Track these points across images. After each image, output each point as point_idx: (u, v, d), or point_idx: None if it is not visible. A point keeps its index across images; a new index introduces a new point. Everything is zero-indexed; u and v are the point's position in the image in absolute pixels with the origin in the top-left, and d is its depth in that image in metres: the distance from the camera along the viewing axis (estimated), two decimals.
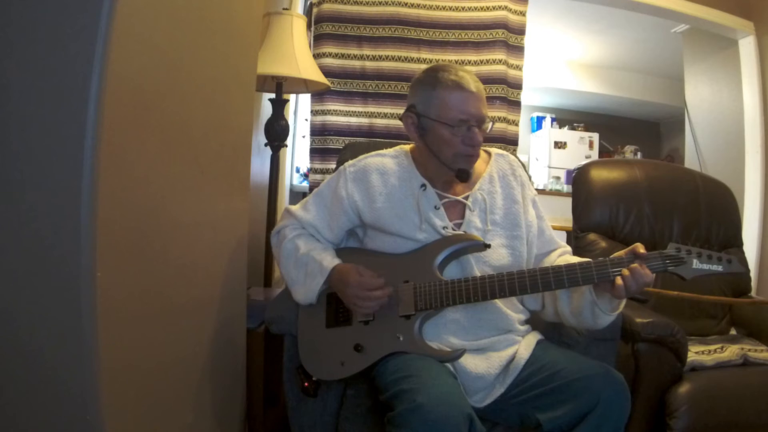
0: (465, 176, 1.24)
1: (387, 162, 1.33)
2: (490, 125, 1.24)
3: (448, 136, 1.21)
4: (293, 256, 1.30)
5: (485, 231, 1.25)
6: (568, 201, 2.06)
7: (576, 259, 1.24)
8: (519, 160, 1.46)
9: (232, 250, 1.42)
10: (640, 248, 1.11)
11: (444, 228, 1.24)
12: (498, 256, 1.23)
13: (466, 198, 1.28)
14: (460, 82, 1.19)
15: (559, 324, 1.32)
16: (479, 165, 1.34)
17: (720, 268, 1.10)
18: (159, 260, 1.06)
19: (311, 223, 1.33)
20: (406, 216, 1.26)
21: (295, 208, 1.37)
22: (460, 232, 1.24)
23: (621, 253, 1.13)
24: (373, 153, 1.37)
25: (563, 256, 1.31)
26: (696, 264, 1.10)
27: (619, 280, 1.09)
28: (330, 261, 1.26)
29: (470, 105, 1.19)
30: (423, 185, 1.27)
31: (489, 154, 1.37)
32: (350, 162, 1.35)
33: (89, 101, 0.82)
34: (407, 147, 1.37)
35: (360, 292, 1.19)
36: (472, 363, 1.17)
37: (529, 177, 1.48)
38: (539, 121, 6.25)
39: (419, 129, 1.25)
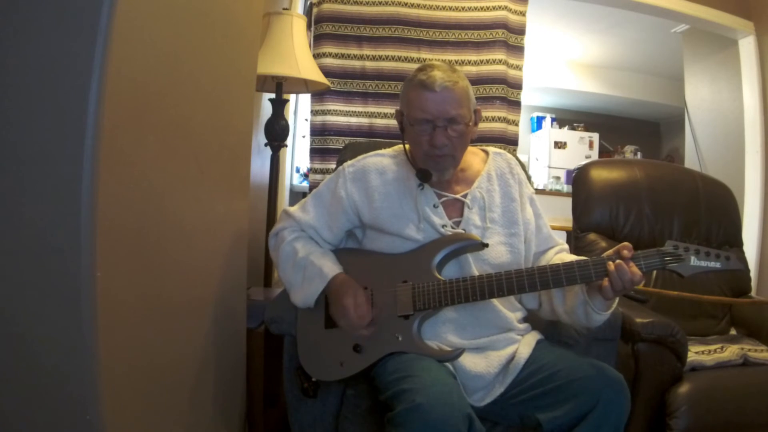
0: (423, 176, 1.24)
1: (386, 161, 1.33)
2: (463, 125, 1.20)
3: (414, 135, 1.23)
4: (291, 259, 1.29)
5: (484, 229, 1.25)
6: (568, 201, 2.06)
7: (572, 257, 1.24)
8: (517, 159, 1.46)
9: (232, 250, 1.42)
10: (625, 250, 1.10)
11: (443, 226, 1.24)
12: (497, 254, 1.24)
13: (465, 196, 1.28)
14: (425, 82, 1.18)
15: (559, 323, 1.32)
16: (477, 164, 1.34)
17: (718, 265, 1.10)
18: (159, 260, 1.06)
19: (310, 224, 1.33)
20: (404, 215, 1.26)
21: (294, 210, 1.36)
22: (460, 231, 1.24)
23: (609, 252, 1.12)
24: (372, 153, 1.37)
25: (560, 254, 1.31)
26: (694, 261, 1.10)
27: (605, 282, 1.09)
28: (330, 268, 1.25)
29: (431, 105, 1.18)
30: (421, 184, 1.27)
31: (486, 153, 1.37)
32: (349, 162, 1.35)
33: (89, 101, 0.82)
34: (406, 146, 1.37)
35: (345, 318, 1.20)
36: (471, 362, 1.17)
37: (529, 177, 1.48)
38: (539, 121, 6.25)
39: (401, 128, 1.28)
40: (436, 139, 1.19)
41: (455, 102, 1.19)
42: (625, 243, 1.12)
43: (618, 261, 1.09)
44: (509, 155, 1.39)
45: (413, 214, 1.26)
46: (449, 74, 1.19)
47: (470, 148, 1.36)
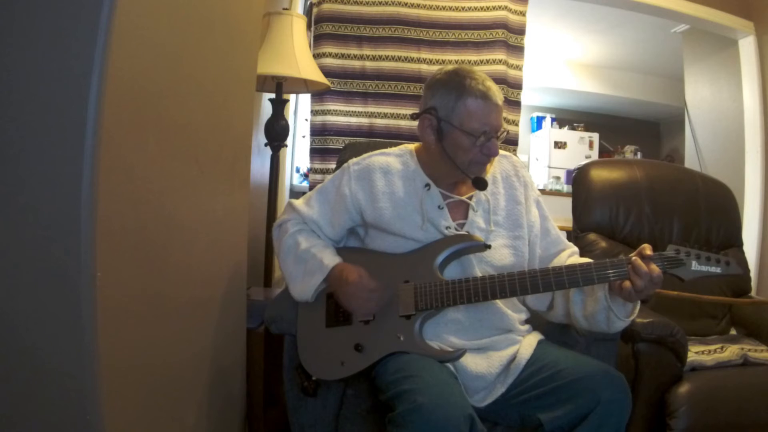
0: (483, 185, 1.25)
1: (391, 161, 1.33)
2: (504, 133, 1.25)
3: (468, 144, 1.20)
4: (293, 252, 1.30)
5: (488, 231, 1.25)
6: (568, 201, 2.06)
7: (584, 260, 1.23)
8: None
9: (232, 250, 1.42)
10: (647, 250, 1.11)
11: (447, 228, 1.24)
12: (500, 257, 1.24)
13: (470, 198, 1.28)
14: (487, 93, 1.19)
15: (562, 324, 1.32)
16: None
17: (719, 270, 1.10)
18: (159, 260, 1.06)
19: (313, 220, 1.33)
20: (408, 216, 1.26)
21: (298, 203, 1.37)
22: (463, 232, 1.24)
23: (634, 254, 1.12)
24: (377, 152, 1.37)
25: (573, 257, 1.30)
26: (695, 266, 1.10)
27: (627, 283, 1.09)
28: (330, 259, 1.26)
29: (493, 117, 1.20)
30: (427, 185, 1.27)
31: None
32: (354, 160, 1.35)
33: (89, 101, 0.82)
34: (412, 146, 1.37)
35: (359, 292, 1.19)
36: (472, 362, 1.17)
37: None
38: (539, 121, 6.25)
39: (437, 132, 1.23)
40: (493, 149, 1.21)
41: (503, 112, 1.24)
42: (645, 245, 1.12)
43: (634, 258, 1.09)
44: (515, 158, 1.39)
45: (417, 215, 1.26)
46: (494, 83, 1.23)
47: None
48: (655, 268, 1.08)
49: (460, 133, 1.21)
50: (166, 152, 1.06)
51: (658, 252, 1.12)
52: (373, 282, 1.20)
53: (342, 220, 1.32)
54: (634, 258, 1.10)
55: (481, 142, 1.20)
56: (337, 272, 1.24)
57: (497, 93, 1.21)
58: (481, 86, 1.19)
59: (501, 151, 1.38)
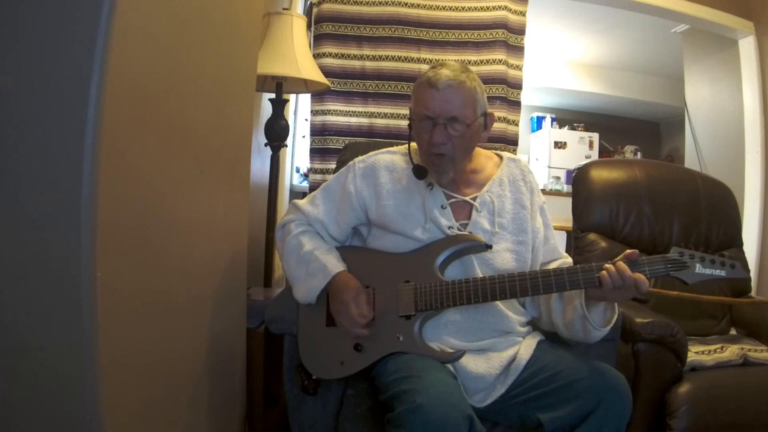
0: (418, 173, 1.24)
1: (396, 159, 1.33)
2: (466, 125, 1.17)
3: (416, 132, 1.22)
4: (296, 253, 1.29)
5: (492, 233, 1.24)
6: (568, 201, 2.06)
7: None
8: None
9: (232, 250, 1.42)
10: (632, 254, 1.10)
11: (449, 228, 1.23)
12: (502, 260, 1.23)
13: (474, 199, 1.27)
14: (431, 79, 1.18)
15: None
16: (490, 168, 1.33)
17: (723, 273, 1.09)
18: (159, 260, 1.06)
19: (318, 219, 1.33)
20: (411, 215, 1.25)
21: (303, 203, 1.36)
22: (464, 233, 1.24)
23: (618, 259, 1.12)
24: (383, 150, 1.36)
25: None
26: (699, 269, 1.09)
27: (604, 276, 1.08)
28: (334, 265, 1.25)
29: (433, 102, 1.17)
30: (430, 184, 1.27)
31: (501, 157, 1.36)
32: (360, 158, 1.35)
33: (89, 101, 0.82)
34: (412, 144, 1.37)
35: (347, 318, 1.20)
36: (472, 363, 1.17)
37: None
38: (539, 121, 6.25)
39: (410, 125, 1.26)
40: (434, 136, 1.17)
41: (458, 101, 1.17)
42: (634, 250, 1.11)
43: (618, 263, 1.08)
44: (523, 162, 1.37)
45: (420, 214, 1.25)
46: (457, 73, 1.18)
47: (484, 152, 1.35)
48: (639, 276, 1.06)
49: (414, 122, 1.22)
50: (166, 152, 1.06)
51: (662, 255, 1.11)
52: (365, 309, 1.20)
53: (347, 218, 1.32)
54: (619, 263, 1.07)
55: (428, 129, 1.18)
56: (337, 283, 1.23)
57: (446, 79, 1.16)
58: (431, 73, 1.19)
59: (510, 155, 1.37)
